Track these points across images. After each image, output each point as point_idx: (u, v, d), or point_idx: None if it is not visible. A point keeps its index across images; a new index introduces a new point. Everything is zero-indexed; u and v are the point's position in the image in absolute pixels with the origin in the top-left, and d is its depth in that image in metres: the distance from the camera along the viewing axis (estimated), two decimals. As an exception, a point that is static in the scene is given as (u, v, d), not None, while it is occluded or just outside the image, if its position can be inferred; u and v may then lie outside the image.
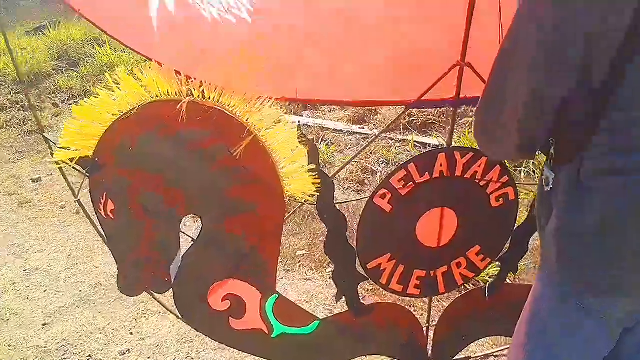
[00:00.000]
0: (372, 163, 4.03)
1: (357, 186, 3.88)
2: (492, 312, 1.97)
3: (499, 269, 1.89)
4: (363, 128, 4.56)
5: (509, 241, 1.82)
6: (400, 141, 4.27)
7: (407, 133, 4.35)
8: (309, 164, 1.51)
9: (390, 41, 1.48)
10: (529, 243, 1.85)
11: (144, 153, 1.44)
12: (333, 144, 4.38)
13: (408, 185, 1.61)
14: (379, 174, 3.96)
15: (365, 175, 3.98)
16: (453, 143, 1.60)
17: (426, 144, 4.19)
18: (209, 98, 1.37)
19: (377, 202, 1.63)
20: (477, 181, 1.65)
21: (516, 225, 1.79)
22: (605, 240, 0.97)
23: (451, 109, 1.54)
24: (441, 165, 1.60)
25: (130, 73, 1.33)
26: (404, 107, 1.51)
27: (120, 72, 1.32)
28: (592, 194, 0.97)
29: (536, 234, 1.37)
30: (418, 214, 1.69)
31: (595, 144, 0.95)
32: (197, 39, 1.35)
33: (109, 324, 2.63)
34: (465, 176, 1.63)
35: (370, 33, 1.47)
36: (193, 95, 1.36)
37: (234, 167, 1.47)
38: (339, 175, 4.06)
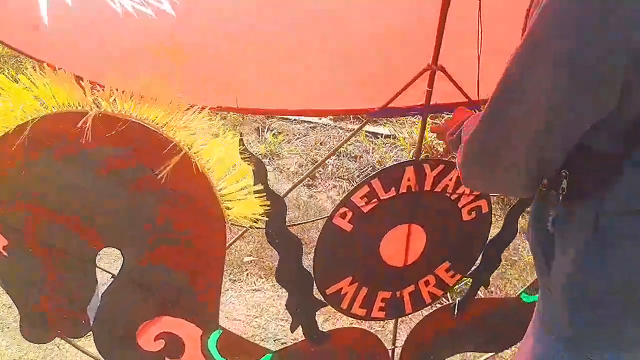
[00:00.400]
0: (323, 155, 3.78)
1: (308, 180, 3.64)
2: (461, 329, 1.81)
3: (470, 284, 1.71)
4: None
5: (480, 255, 1.65)
6: (350, 130, 4.04)
7: (357, 122, 4.13)
8: (254, 184, 1.25)
9: (356, 44, 1.23)
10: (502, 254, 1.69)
11: (39, 177, 1.13)
12: (280, 132, 4.10)
13: (371, 202, 1.38)
14: (330, 167, 3.73)
15: (316, 169, 3.74)
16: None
17: (378, 134, 3.99)
18: (123, 109, 1.08)
19: (337, 222, 1.39)
20: (448, 195, 1.45)
21: (489, 238, 1.61)
22: (633, 296, 0.78)
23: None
24: (409, 180, 1.38)
25: (15, 80, 1.01)
26: (366, 116, 1.27)
27: (1, 79, 1.00)
28: (615, 241, 0.77)
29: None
30: (382, 232, 1.47)
31: (620, 180, 0.74)
32: (104, 37, 1.05)
33: (25, 354, 2.29)
34: (435, 190, 1.42)
35: (332, 32, 1.21)
36: (101, 106, 1.06)
37: (160, 190, 1.19)
38: (287, 168, 3.80)
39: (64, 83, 1.02)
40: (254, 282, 2.63)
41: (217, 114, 1.15)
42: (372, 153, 3.89)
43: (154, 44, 1.04)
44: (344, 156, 3.87)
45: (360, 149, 3.98)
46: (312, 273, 1.46)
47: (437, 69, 1.22)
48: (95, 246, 1.27)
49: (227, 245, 1.34)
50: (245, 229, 1.34)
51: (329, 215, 1.39)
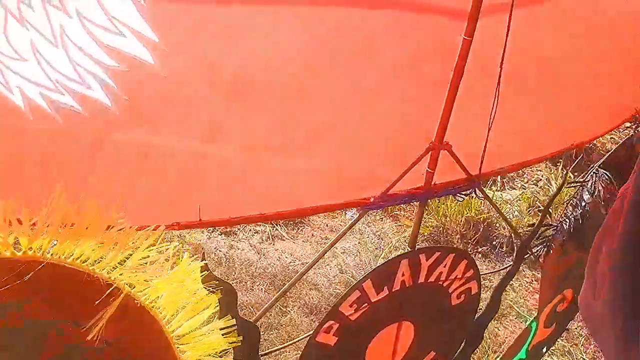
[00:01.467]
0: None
1: (225, 227, 3.26)
2: None
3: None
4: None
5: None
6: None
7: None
8: (221, 316, 0.93)
9: (341, 120, 0.96)
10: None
11: None
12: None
13: (362, 307, 1.12)
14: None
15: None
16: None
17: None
18: (30, 249, 0.71)
19: (321, 339, 1.11)
20: (441, 283, 1.23)
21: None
22: None
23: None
24: (403, 275, 1.14)
25: None
26: (361, 209, 1.01)
27: None
28: None
29: None
30: (370, 337, 1.22)
31: None
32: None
33: None
34: (428, 280, 1.20)
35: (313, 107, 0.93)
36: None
37: (90, 347, 0.82)
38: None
39: None
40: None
41: (172, 233, 0.82)
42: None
43: (80, 148, 0.69)
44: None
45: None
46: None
47: (442, 149, 1.00)
48: None
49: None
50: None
51: (310, 334, 1.10)
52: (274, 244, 3.10)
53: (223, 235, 3.23)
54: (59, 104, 0.65)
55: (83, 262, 0.75)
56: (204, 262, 0.86)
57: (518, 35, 0.93)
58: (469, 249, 3.05)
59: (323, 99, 0.90)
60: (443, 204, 3.14)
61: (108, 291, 0.78)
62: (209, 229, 3.25)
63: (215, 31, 0.80)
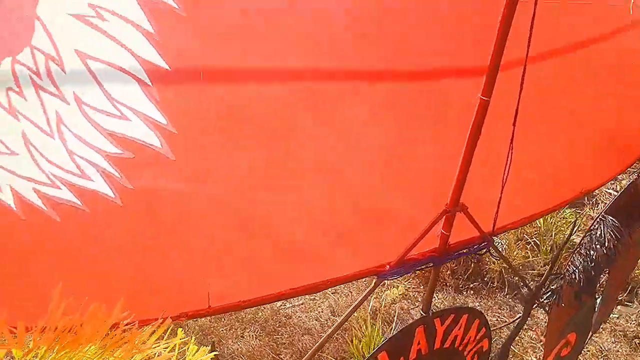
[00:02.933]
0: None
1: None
2: None
3: None
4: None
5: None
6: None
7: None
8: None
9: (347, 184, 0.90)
10: None
11: None
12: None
13: (377, 381, 1.04)
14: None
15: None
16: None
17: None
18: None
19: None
20: (456, 347, 1.16)
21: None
22: None
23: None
24: (419, 343, 1.07)
25: None
26: (375, 278, 0.95)
27: None
28: None
29: None
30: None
31: None
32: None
33: None
34: (444, 346, 1.13)
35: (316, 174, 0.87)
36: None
37: None
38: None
39: None
40: None
41: (181, 324, 0.74)
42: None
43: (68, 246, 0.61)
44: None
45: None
46: None
47: (459, 211, 0.95)
48: None
49: None
50: None
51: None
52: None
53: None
54: (55, 199, 0.57)
55: (82, 369, 0.67)
56: (214, 352, 0.78)
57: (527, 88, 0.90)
58: (459, 285, 3.01)
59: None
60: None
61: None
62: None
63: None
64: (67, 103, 0.56)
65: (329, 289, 2.96)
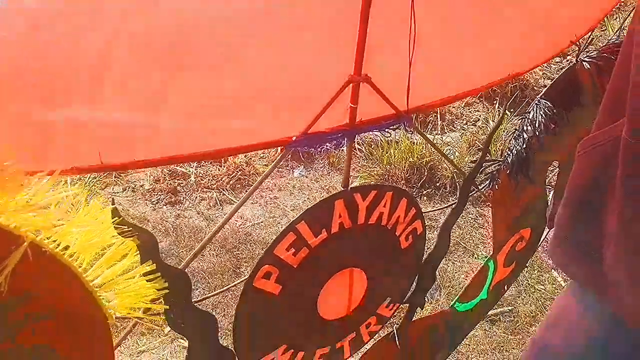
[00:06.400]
0: (184, 164, 3.33)
1: (170, 196, 3.17)
2: (407, 351, 1.62)
3: (407, 309, 1.51)
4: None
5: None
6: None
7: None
8: (142, 262, 0.87)
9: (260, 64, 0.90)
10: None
11: None
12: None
13: (300, 251, 1.08)
14: (192, 177, 3.29)
15: (177, 181, 3.28)
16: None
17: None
18: None
19: (260, 285, 1.07)
20: (385, 225, 1.20)
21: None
22: None
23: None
24: (340, 216, 1.10)
25: None
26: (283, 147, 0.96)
27: None
28: None
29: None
30: (319, 285, 1.19)
31: None
32: None
33: None
34: (369, 222, 1.17)
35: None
36: None
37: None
38: (142, 187, 3.26)
39: None
40: (137, 341, 2.15)
41: (73, 178, 0.74)
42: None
43: None
44: (207, 163, 3.43)
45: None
46: (234, 350, 1.13)
47: (361, 81, 0.95)
48: None
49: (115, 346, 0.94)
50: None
51: (246, 277, 1.06)
52: (222, 209, 3.04)
53: (168, 206, 3.14)
54: None
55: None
56: (114, 206, 0.79)
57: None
58: (414, 192, 3.10)
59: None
60: (387, 152, 3.15)
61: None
62: (152, 200, 3.15)
63: None
64: None
65: (288, 206, 3.00)
